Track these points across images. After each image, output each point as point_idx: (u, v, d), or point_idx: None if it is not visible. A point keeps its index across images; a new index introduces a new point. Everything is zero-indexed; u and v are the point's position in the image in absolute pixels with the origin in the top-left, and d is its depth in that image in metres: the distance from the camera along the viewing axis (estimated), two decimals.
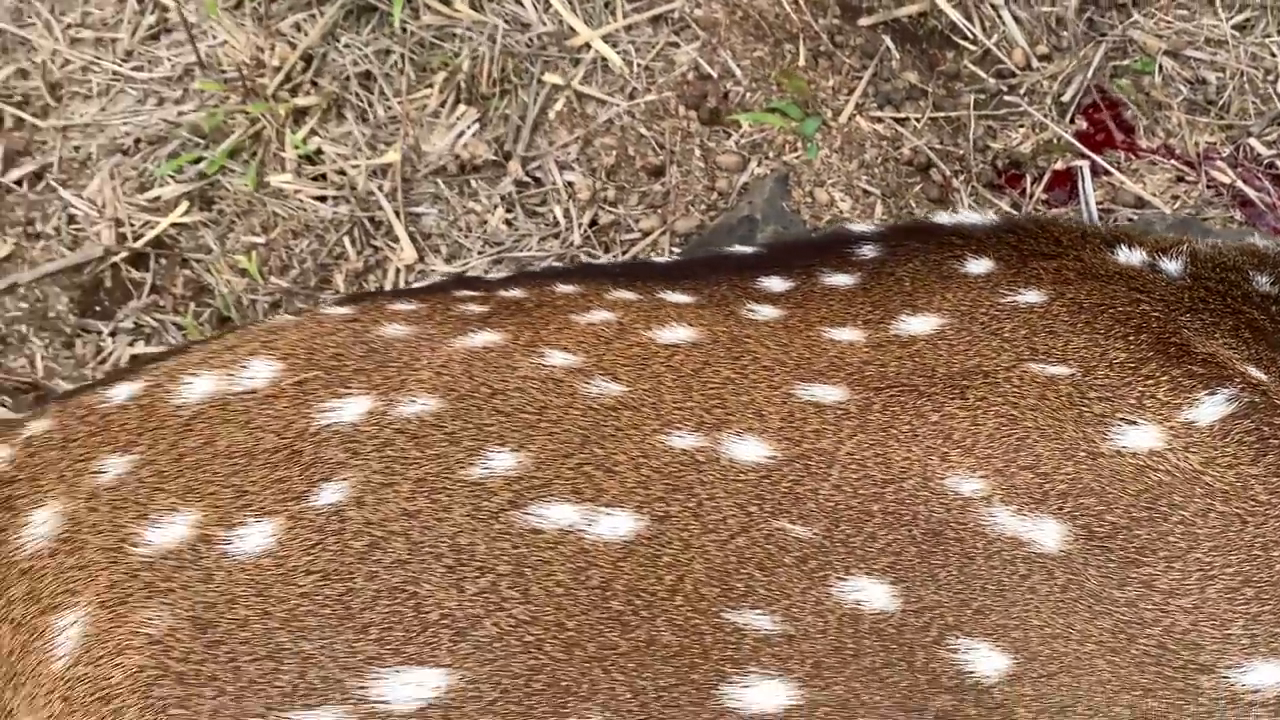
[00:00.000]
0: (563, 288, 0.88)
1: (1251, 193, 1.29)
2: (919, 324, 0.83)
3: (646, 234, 1.25)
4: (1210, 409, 0.76)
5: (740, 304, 0.85)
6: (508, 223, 1.27)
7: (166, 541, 0.68)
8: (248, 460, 0.72)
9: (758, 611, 0.67)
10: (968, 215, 0.96)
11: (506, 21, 1.34)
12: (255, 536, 0.68)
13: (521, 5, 1.36)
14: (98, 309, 1.20)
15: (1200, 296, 0.85)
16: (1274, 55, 1.40)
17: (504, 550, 0.68)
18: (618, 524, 0.68)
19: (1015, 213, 1.26)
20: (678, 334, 0.79)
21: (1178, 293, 0.85)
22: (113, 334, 1.18)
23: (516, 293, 0.88)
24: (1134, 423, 0.75)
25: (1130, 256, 0.89)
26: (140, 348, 1.17)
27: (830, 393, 0.76)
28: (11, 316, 1.19)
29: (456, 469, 0.70)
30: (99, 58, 1.33)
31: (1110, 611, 0.70)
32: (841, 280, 0.89)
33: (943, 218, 0.96)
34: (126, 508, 0.70)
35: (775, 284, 0.89)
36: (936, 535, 0.70)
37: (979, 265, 0.89)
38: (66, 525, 0.70)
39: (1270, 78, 1.38)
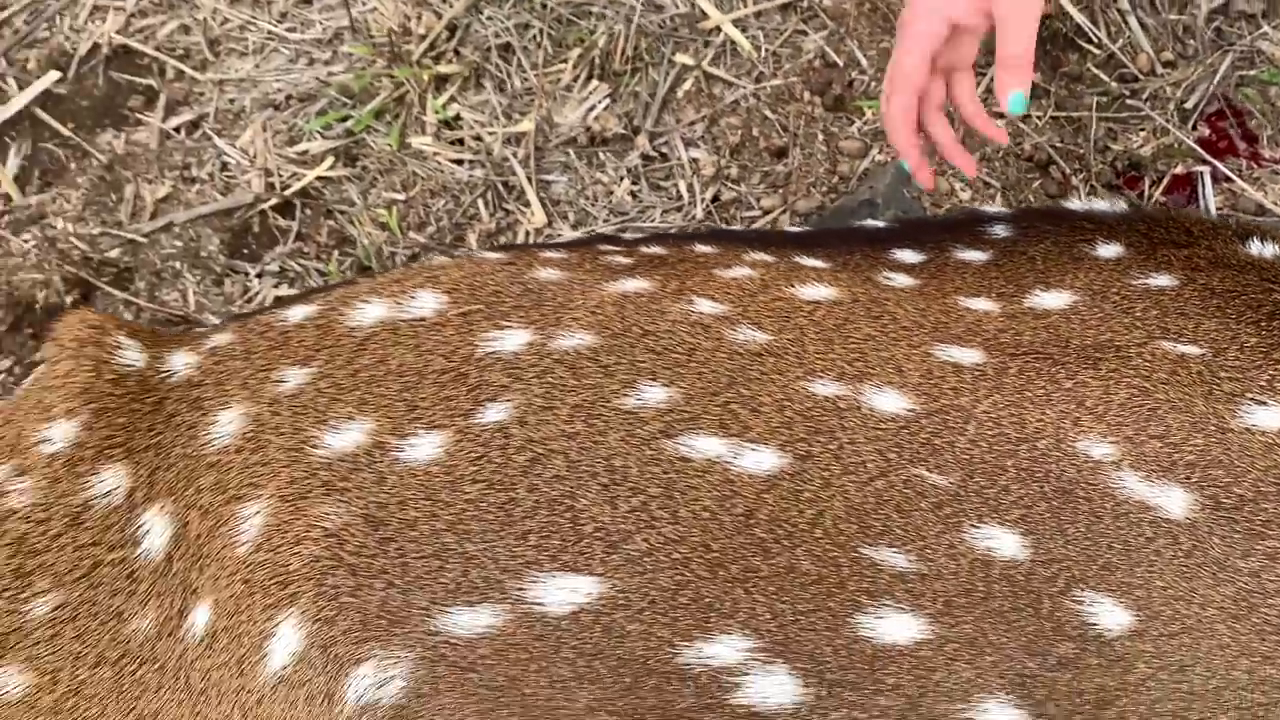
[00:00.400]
0: (701, 247, 0.93)
1: None
2: (1052, 299, 0.85)
3: (767, 212, 1.29)
4: None
5: (875, 271, 0.88)
6: (633, 194, 1.31)
7: (343, 445, 0.74)
8: (418, 379, 0.77)
9: (893, 550, 0.70)
10: (1098, 203, 0.98)
11: (641, 2, 1.39)
12: (425, 446, 0.73)
13: None
14: (245, 251, 1.28)
15: None
16: None
17: (655, 474, 0.72)
18: (762, 459, 0.72)
19: (1082, 194, 1.27)
20: (818, 292, 0.83)
21: None
22: (259, 275, 1.25)
23: (657, 249, 0.92)
24: (1264, 403, 0.77)
25: (1263, 249, 0.91)
26: (284, 290, 1.24)
27: (967, 355, 0.79)
28: (167, 253, 1.26)
29: (611, 398, 0.75)
30: (255, 18, 1.41)
31: (1233, 580, 0.72)
32: (974, 256, 0.92)
33: (1074, 204, 0.99)
34: (306, 414, 0.76)
35: (908, 256, 0.92)
36: (1067, 493, 0.73)
37: (1110, 249, 0.91)
38: (251, 425, 0.76)
39: None
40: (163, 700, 0.71)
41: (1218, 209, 1.30)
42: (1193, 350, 0.81)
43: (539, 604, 0.69)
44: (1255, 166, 1.34)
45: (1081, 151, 1.35)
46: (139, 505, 0.74)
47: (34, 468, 0.75)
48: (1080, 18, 1.43)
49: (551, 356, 0.77)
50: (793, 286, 0.83)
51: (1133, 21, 1.43)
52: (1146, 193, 1.33)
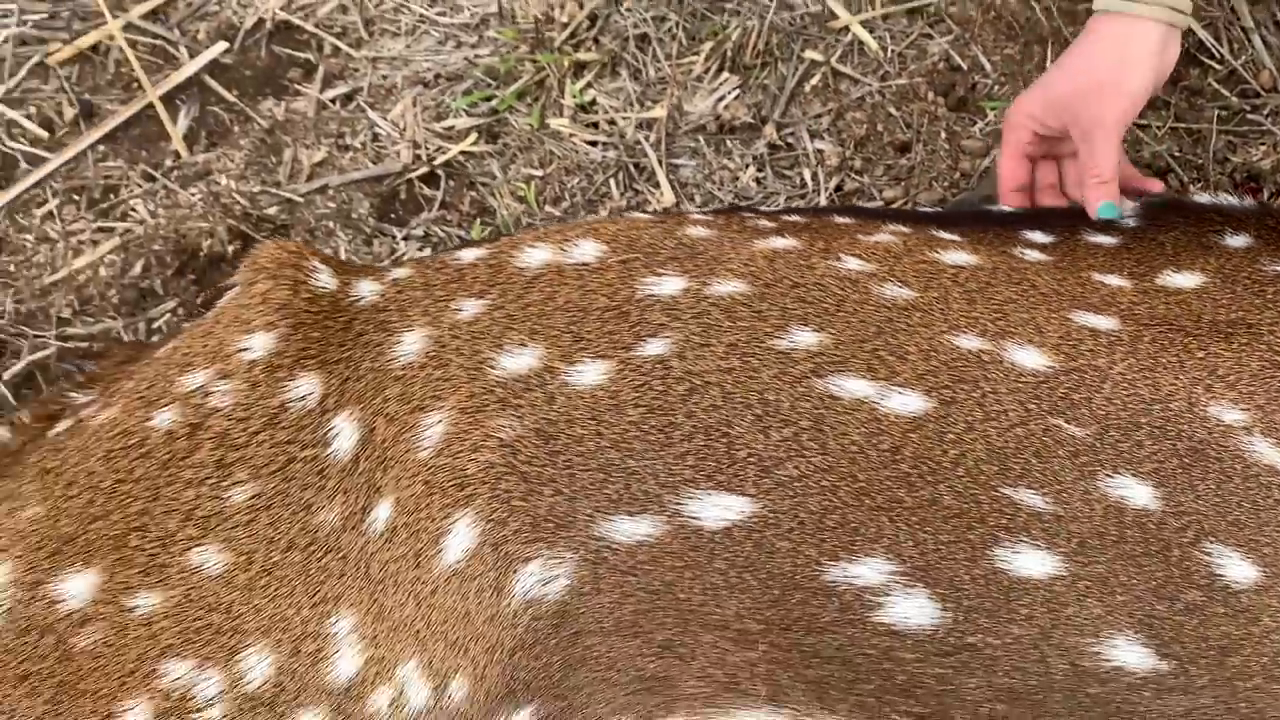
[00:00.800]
0: (840, 218, 0.98)
1: None
2: (1183, 279, 0.89)
3: (889, 203, 1.33)
4: None
5: (1010, 246, 0.93)
6: (758, 180, 1.37)
7: (517, 367, 0.80)
8: (583, 315, 0.83)
9: (1031, 491, 0.74)
10: (1225, 197, 1.01)
11: (774, 0, 1.46)
12: (591, 373, 0.80)
13: None
14: (393, 216, 1.36)
15: None
16: None
17: (805, 409, 0.77)
18: (908, 401, 0.77)
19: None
20: (959, 258, 0.88)
21: None
22: (405, 238, 1.33)
23: (797, 218, 0.98)
24: None
25: None
26: (427, 253, 1.32)
27: (1104, 322, 0.83)
28: (321, 213, 1.35)
29: (765, 339, 0.80)
30: (407, 1, 1.50)
31: None
32: (1104, 239, 0.95)
33: (1202, 198, 1.02)
34: (483, 339, 0.82)
35: (1039, 236, 0.96)
36: (1198, 453, 0.76)
37: (1238, 239, 0.94)
38: (433, 346, 0.83)
39: None
40: (344, 586, 0.77)
41: None
42: None
43: (695, 518, 0.75)
44: None
45: (1200, 161, 1.38)
46: (330, 410, 0.81)
47: (235, 373, 0.82)
48: (1203, 34, 1.46)
49: (707, 300, 0.83)
50: (935, 252, 0.88)
51: (1256, 40, 1.46)
52: (1265, 203, 1.35)
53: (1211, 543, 0.74)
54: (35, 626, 0.75)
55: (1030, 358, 0.80)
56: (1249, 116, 1.41)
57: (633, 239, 0.90)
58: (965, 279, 0.85)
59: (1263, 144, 1.39)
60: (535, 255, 0.88)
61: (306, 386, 0.82)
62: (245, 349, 0.83)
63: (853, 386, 0.78)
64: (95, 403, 0.88)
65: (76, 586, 0.76)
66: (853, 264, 0.86)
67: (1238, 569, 0.74)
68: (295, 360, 0.83)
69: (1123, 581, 0.73)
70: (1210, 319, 0.84)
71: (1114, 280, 0.88)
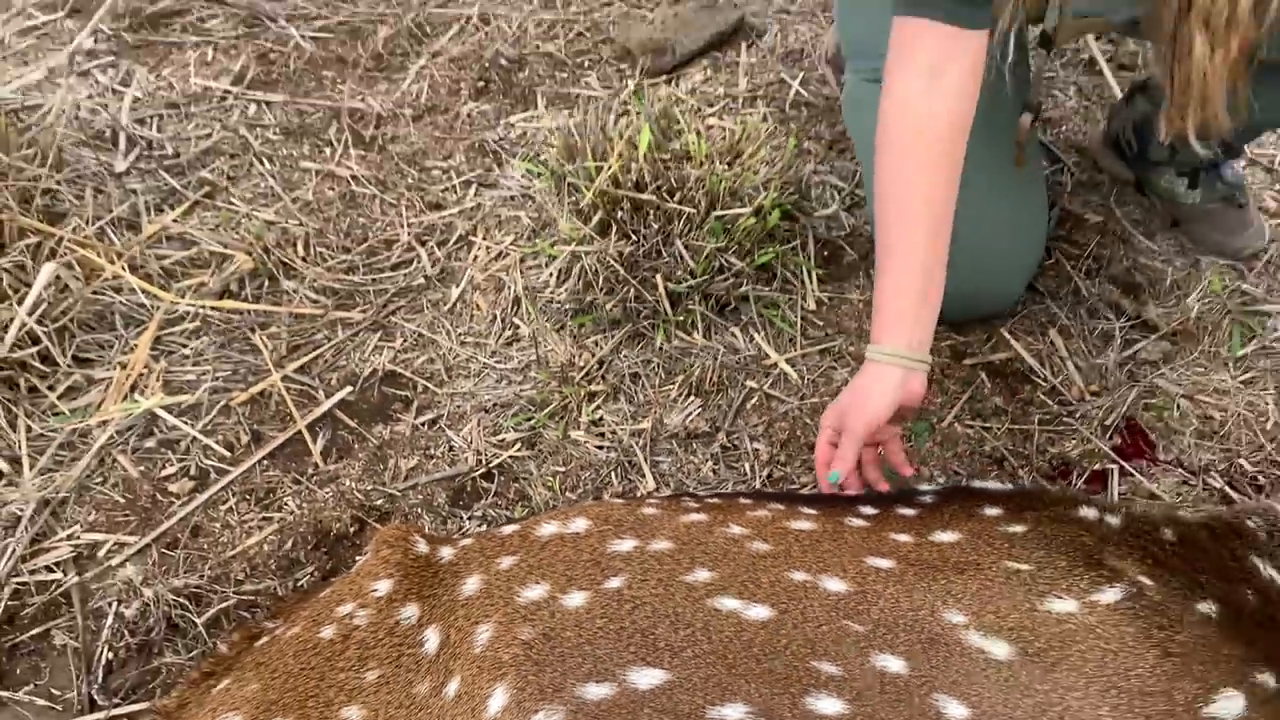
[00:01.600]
0: (743, 500, 1.55)
1: (1236, 495, 1.82)
2: (947, 536, 1.44)
3: (803, 486, 1.90)
4: (1109, 595, 1.32)
5: (844, 516, 1.49)
6: (714, 471, 1.96)
7: (533, 596, 1.36)
8: (574, 564, 1.40)
9: (830, 663, 1.26)
10: (992, 483, 1.57)
11: (724, 347, 2.10)
12: (577, 599, 1.35)
13: (735, 338, 2.13)
14: (461, 502, 1.96)
15: (1124, 537, 1.42)
16: (1267, 404, 1.96)
17: (699, 618, 1.31)
18: (760, 611, 1.31)
19: (1025, 483, 1.84)
20: (804, 525, 1.44)
21: (1111, 534, 1.43)
22: (470, 518, 1.93)
23: (715, 500, 1.56)
24: (1061, 598, 1.32)
25: (1088, 512, 1.48)
26: (483, 528, 1.90)
27: (886, 563, 1.37)
28: (412, 502, 1.96)
29: (679, 575, 1.36)
30: (475, 354, 2.17)
31: (1033, 695, 1.24)
32: (908, 511, 1.51)
33: (975, 483, 1.58)
34: (513, 580, 1.39)
35: (868, 509, 1.52)
36: (934, 640, 1.28)
37: (993, 510, 1.49)
38: (484, 585, 1.39)
39: (1262, 419, 1.94)
40: None
41: (1122, 493, 1.85)
42: (1025, 566, 1.37)
43: (634, 684, 1.27)
44: (1152, 466, 1.89)
45: (1028, 453, 1.94)
46: (424, 625, 1.37)
47: (369, 604, 1.39)
48: (1031, 361, 2.06)
49: (647, 553, 1.39)
50: (789, 521, 1.45)
51: (1069, 365, 2.05)
52: (1074, 483, 1.89)
53: (939, 693, 1.24)
54: None
55: (835, 584, 1.34)
56: (1064, 419, 1.98)
57: (607, 516, 1.48)
58: (803, 538, 1.41)
59: (1074, 439, 1.96)
60: (547, 529, 1.46)
61: (410, 611, 1.38)
62: (375, 590, 1.40)
63: (729, 603, 1.32)
64: (282, 625, 1.44)
65: None
66: (736, 530, 1.43)
67: (956, 709, 1.23)
68: (404, 596, 1.39)
69: (884, 716, 1.23)
70: (955, 561, 1.38)
71: (902, 537, 1.44)
